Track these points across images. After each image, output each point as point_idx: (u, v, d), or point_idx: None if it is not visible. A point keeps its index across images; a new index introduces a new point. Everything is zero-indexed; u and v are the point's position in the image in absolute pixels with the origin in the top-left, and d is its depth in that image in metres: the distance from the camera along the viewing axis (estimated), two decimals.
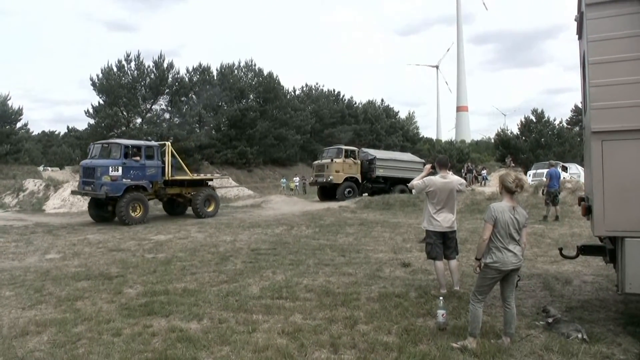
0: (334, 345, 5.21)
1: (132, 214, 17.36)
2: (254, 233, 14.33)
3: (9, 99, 37.65)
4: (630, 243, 4.77)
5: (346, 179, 27.31)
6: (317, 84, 67.75)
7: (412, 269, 8.95)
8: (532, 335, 5.29)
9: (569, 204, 18.47)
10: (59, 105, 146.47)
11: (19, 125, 39.55)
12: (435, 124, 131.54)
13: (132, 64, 45.01)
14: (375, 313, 6.20)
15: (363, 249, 11.19)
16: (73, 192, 20.23)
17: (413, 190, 7.43)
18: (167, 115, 47.09)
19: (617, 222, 4.82)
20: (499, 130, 59.37)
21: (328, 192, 27.89)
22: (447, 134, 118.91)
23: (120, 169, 17.41)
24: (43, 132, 45.29)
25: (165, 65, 46.05)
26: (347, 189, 27.01)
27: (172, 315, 6.24)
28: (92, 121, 43.51)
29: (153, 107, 46.25)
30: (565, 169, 30.86)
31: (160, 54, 48.33)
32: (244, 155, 48.25)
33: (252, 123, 49.49)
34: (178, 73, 47.48)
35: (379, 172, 28.43)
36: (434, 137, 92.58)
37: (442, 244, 7.06)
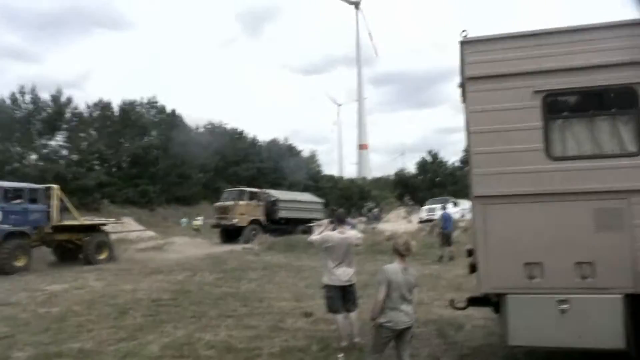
0: None
1: (15, 263, 16.10)
2: (156, 280, 13.97)
3: None
4: (511, 299, 5.18)
5: (251, 222, 27.22)
6: (220, 121, 67.53)
7: (314, 318, 9.08)
8: None
9: (463, 242, 19.42)
10: None
11: None
12: (338, 161, 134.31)
13: (27, 97, 42.94)
14: None
15: (266, 297, 11.22)
16: None
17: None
18: (64, 152, 45.04)
19: (499, 280, 5.24)
20: (398, 170, 61.91)
21: (231, 234, 27.55)
22: (350, 170, 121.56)
23: None
24: None
25: (63, 99, 44.27)
26: (252, 231, 26.83)
27: None
28: None
29: (49, 143, 44.14)
30: (456, 204, 32.59)
31: (58, 88, 46.43)
32: (146, 193, 46.92)
33: (155, 161, 48.42)
34: (77, 108, 45.84)
35: (282, 214, 28.78)
36: (337, 174, 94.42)
37: (342, 298, 7.27)
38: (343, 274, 7.13)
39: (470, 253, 7.08)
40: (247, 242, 25.40)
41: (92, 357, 6.96)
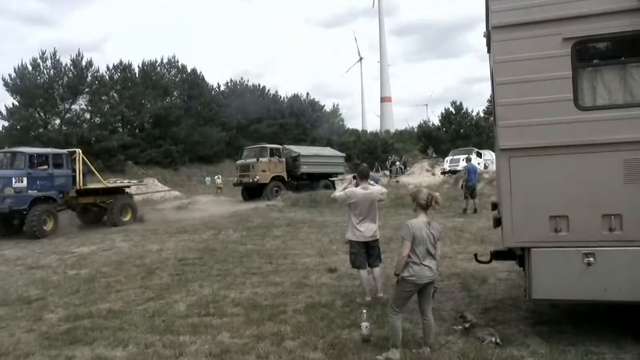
0: None
1: (44, 228, 16.38)
2: (181, 240, 14.16)
3: None
4: (535, 253, 5.10)
5: (272, 178, 27.01)
6: (241, 79, 67.02)
7: (338, 274, 9.13)
8: (451, 342, 5.55)
9: (487, 194, 19.29)
10: None
11: None
12: (361, 115, 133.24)
13: (48, 62, 43.07)
14: (302, 327, 6.30)
15: (290, 254, 11.30)
16: None
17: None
18: (87, 116, 45.39)
19: (524, 233, 5.13)
20: (421, 122, 61.21)
21: (253, 191, 27.46)
22: (373, 124, 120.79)
23: (25, 179, 16.49)
24: None
25: (84, 63, 44.34)
26: (275, 189, 26.70)
27: (96, 343, 6.09)
28: (6, 123, 41.34)
29: (72, 107, 44.47)
30: (479, 155, 32.15)
31: (79, 52, 46.46)
32: (169, 154, 47.27)
33: (177, 121, 48.55)
34: (98, 71, 45.93)
35: (304, 169, 28.47)
36: (360, 128, 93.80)
37: (365, 253, 7.27)
38: (367, 229, 7.10)
39: (494, 206, 6.97)
40: (269, 199, 25.43)
41: (121, 317, 7.09)
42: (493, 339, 5.44)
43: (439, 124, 55.68)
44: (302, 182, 28.57)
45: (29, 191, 16.51)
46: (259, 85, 68.08)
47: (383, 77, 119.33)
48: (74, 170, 18.17)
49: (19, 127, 40.40)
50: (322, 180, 29.14)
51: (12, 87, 41.39)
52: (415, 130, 79.26)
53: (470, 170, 17.52)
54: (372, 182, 7.51)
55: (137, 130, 49.11)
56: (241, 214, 20.42)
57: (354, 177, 7.59)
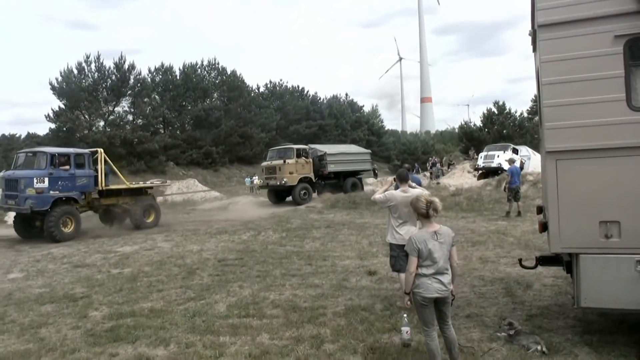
0: None
1: (63, 230, 16.11)
2: (221, 240, 14.27)
3: None
4: (584, 259, 4.92)
5: (300, 180, 26.24)
6: (280, 80, 67.46)
7: (378, 277, 9.04)
8: (494, 349, 5.42)
9: (531, 197, 18.89)
10: (18, 106, 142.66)
11: None
12: (400, 116, 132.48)
13: (92, 66, 44.17)
14: (341, 330, 6.25)
15: (330, 256, 11.25)
16: None
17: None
18: (130, 117, 46.38)
19: (572, 239, 4.96)
20: (463, 122, 60.29)
21: (281, 193, 26.93)
22: (413, 126, 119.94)
23: (46, 180, 16.16)
24: (3, 135, 43.82)
25: (126, 66, 45.33)
26: (303, 191, 26.01)
27: (138, 341, 6.18)
28: (53, 125, 42.58)
29: (115, 109, 45.52)
30: (516, 151, 31.25)
31: (121, 55, 47.47)
32: (209, 155, 47.87)
33: (217, 122, 49.12)
34: (140, 74, 46.86)
35: (331, 168, 27.75)
36: (399, 129, 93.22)
37: (406, 257, 7.15)
38: (407, 233, 6.97)
39: (540, 210, 6.78)
40: (297, 202, 25.01)
41: (163, 316, 7.18)
42: (539, 348, 5.28)
43: (481, 125, 54.62)
44: (330, 181, 28.12)
45: (51, 192, 16.27)
46: (298, 86, 68.32)
47: (423, 77, 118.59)
48: (96, 171, 17.88)
49: (65, 129, 41.53)
50: (349, 178, 28.53)
51: (59, 91, 42.59)
52: (456, 131, 78.21)
53: (514, 172, 17.12)
54: (413, 184, 7.40)
55: (178, 132, 49.89)
56: (280, 215, 20.48)
57: (394, 179, 7.50)
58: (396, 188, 7.27)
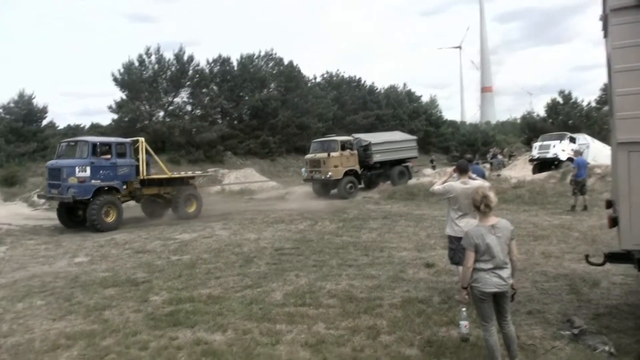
0: (356, 359, 5.22)
1: (105, 219, 16.05)
2: (278, 230, 14.38)
3: (34, 97, 38.10)
4: None
5: (346, 173, 25.07)
6: (337, 70, 67.31)
7: (435, 269, 8.89)
8: (557, 348, 5.23)
9: (598, 191, 18.15)
10: (85, 98, 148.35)
11: (44, 122, 40.06)
12: (460, 106, 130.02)
13: (153, 58, 45.23)
14: (398, 322, 6.19)
15: (387, 247, 11.14)
16: (39, 196, 18.24)
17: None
18: (188, 108, 47.33)
19: None
20: (525, 112, 58.51)
21: (326, 186, 25.80)
22: (472, 116, 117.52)
23: (88, 169, 16.04)
24: (69, 125, 45.36)
25: (185, 57, 46.18)
26: (349, 184, 24.86)
27: (197, 326, 6.31)
28: (115, 116, 43.95)
29: (175, 100, 46.48)
30: (573, 140, 29.69)
31: (181, 47, 48.42)
32: (266, 144, 48.30)
33: (274, 112, 49.44)
34: (198, 65, 47.61)
35: (377, 158, 26.72)
36: (459, 119, 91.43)
37: (464, 249, 6.99)
38: (466, 225, 6.78)
39: (609, 204, 6.47)
40: (343, 196, 24.09)
41: (220, 302, 7.30)
42: (606, 348, 5.06)
43: (545, 115, 52.71)
44: (376, 171, 27.11)
45: (92, 181, 16.15)
46: (355, 76, 67.92)
47: (484, 66, 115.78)
48: (138, 160, 17.68)
49: (126, 119, 42.76)
50: (396, 166, 27.50)
51: (121, 82, 43.82)
52: (518, 121, 76.00)
53: (581, 165, 16.44)
54: (473, 175, 7.21)
55: (235, 122, 50.49)
56: (337, 204, 20.48)
57: (455, 171, 7.32)
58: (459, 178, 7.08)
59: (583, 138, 30.71)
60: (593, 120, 49.23)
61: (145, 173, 17.83)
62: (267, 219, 16.82)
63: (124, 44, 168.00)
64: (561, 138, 30.01)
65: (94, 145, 16.54)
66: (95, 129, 43.56)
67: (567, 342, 5.35)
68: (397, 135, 30.76)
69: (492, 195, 4.73)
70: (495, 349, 4.66)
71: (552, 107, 51.82)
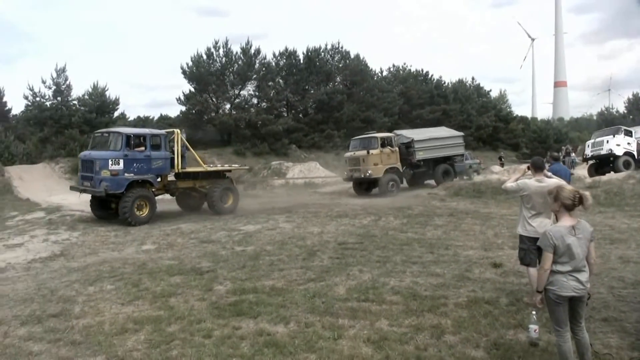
0: (419, 358, 5.13)
1: (138, 213, 15.64)
2: (341, 224, 14.35)
3: (107, 89, 39.55)
4: None
5: (386, 171, 24.14)
6: (404, 64, 66.20)
7: (503, 270, 8.60)
8: (635, 358, 4.93)
9: None
10: (154, 90, 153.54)
11: (116, 114, 41.54)
12: (530, 101, 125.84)
13: (221, 51, 46.11)
14: (463, 322, 6.03)
15: (452, 245, 10.90)
16: (71, 188, 17.74)
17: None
18: (254, 101, 48.01)
19: None
20: (603, 108, 55.95)
21: (367, 185, 24.98)
22: (543, 112, 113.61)
23: (121, 162, 15.58)
24: (138, 117, 46.98)
25: (252, 51, 46.83)
26: (390, 183, 24.04)
27: (260, 317, 6.37)
28: (183, 108, 45.15)
29: (241, 92, 47.25)
30: (629, 133, 27.72)
31: (248, 40, 49.27)
32: (331, 138, 48.36)
33: (339, 106, 49.40)
34: (265, 58, 48.17)
35: (419, 155, 25.62)
36: (529, 115, 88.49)
37: (537, 250, 6.71)
38: (540, 225, 6.52)
39: None
40: (384, 194, 23.29)
41: (284, 295, 7.34)
42: None
43: (625, 111, 50.15)
44: (419, 170, 26.17)
45: (126, 174, 15.67)
46: (422, 70, 66.87)
47: (558, 60, 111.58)
48: (173, 153, 17.09)
49: (194, 111, 43.86)
50: (440, 164, 26.43)
51: (189, 75, 44.95)
52: (595, 117, 72.83)
53: None
54: (549, 173, 6.91)
55: (300, 115, 50.78)
56: (401, 201, 20.25)
57: (528, 168, 7.04)
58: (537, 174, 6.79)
59: None
60: None
61: (180, 166, 17.25)
62: (330, 212, 16.83)
63: (194, 37, 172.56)
64: (615, 132, 28.11)
65: (128, 137, 16.00)
66: (164, 120, 44.93)
67: None
68: (442, 132, 29.46)
69: (588, 194, 4.53)
70: (568, 356, 4.46)
71: (634, 103, 49.36)
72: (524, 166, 7.24)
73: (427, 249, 10.49)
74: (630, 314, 6.27)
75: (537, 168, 6.75)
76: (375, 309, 6.63)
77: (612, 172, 24.43)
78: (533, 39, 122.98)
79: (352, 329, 5.93)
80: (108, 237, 13.02)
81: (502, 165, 40.36)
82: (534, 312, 5.46)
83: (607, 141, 27.02)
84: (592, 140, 28.50)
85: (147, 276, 8.68)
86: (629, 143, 26.67)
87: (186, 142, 17.70)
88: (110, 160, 15.46)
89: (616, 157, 26.30)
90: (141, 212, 15.78)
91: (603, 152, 26.90)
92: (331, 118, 48.98)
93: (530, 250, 6.64)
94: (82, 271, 9.27)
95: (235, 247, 11.27)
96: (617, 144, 26.65)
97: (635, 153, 26.65)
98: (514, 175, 7.08)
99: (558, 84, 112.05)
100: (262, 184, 31.00)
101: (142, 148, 16.16)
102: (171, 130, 17.92)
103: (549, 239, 4.43)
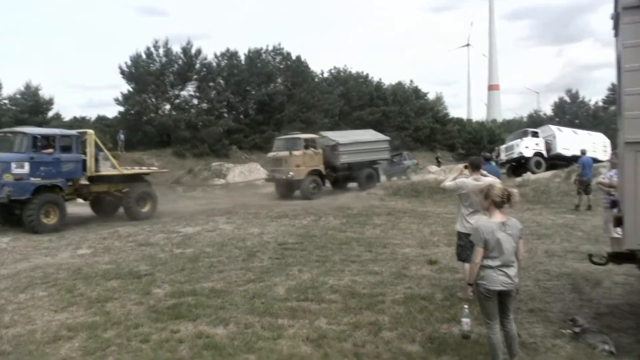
0: (357, 354, 5.24)
1: (45, 221, 14.29)
2: (282, 224, 14.39)
3: (40, 89, 38.26)
4: None
5: (309, 173, 23.54)
6: (345, 66, 66.83)
7: (438, 266, 8.88)
8: (558, 346, 5.22)
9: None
10: (90, 90, 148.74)
11: (50, 114, 40.17)
12: (466, 104, 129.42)
13: (161, 51, 45.33)
14: (400, 318, 6.20)
15: (390, 243, 11.14)
16: None
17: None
18: (195, 101, 47.42)
19: None
20: (532, 111, 58.33)
21: (289, 187, 24.30)
22: (478, 113, 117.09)
23: (26, 165, 14.17)
24: (74, 117, 45.52)
25: (193, 51, 46.26)
26: (312, 185, 23.52)
27: (199, 320, 6.33)
28: (122, 109, 44.11)
29: (181, 93, 46.60)
30: (536, 134, 28.53)
31: (188, 40, 48.41)
32: (272, 139, 48.27)
33: (280, 107, 49.44)
34: (206, 59, 47.68)
35: (344, 159, 25.28)
36: (465, 117, 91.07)
37: (473, 246, 6.97)
38: (477, 222, 6.77)
39: (614, 204, 6.45)
40: (307, 197, 22.89)
41: (223, 296, 7.32)
42: (606, 347, 5.06)
43: (552, 114, 52.71)
44: (343, 173, 25.91)
45: (31, 178, 14.27)
46: (362, 72, 67.73)
47: (492, 64, 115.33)
48: (86, 155, 15.84)
49: (132, 112, 42.97)
50: (365, 169, 26.20)
51: (128, 75, 44.02)
52: (525, 120, 75.75)
53: (586, 164, 16.39)
54: (484, 172, 7.19)
55: (241, 116, 50.52)
56: (341, 200, 20.48)
57: (465, 167, 7.30)
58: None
59: (548, 129, 29.96)
60: (600, 120, 49.10)
61: (93, 169, 16.08)
62: (270, 213, 16.83)
63: (133, 36, 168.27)
64: (523, 135, 29.52)
65: (34, 138, 14.59)
66: (101, 121, 43.72)
67: (567, 341, 5.35)
68: (368, 135, 28.97)
69: (516, 192, 4.76)
70: (497, 347, 4.66)
71: (560, 106, 51.76)
72: (461, 165, 7.51)
73: (365, 248, 10.68)
74: (554, 304, 6.64)
75: (474, 167, 7.01)
76: (315, 308, 6.72)
77: (528, 173, 25.72)
78: (468, 44, 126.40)
79: (292, 328, 5.99)
80: (41, 242, 12.54)
81: (439, 165, 41.42)
82: (466, 306, 5.67)
83: (517, 145, 28.40)
84: (504, 145, 29.85)
85: (82, 281, 8.43)
86: (537, 144, 28.12)
87: (100, 144, 16.74)
88: (13, 163, 14.05)
89: (527, 159, 27.64)
90: (49, 219, 14.50)
91: (515, 155, 28.31)
92: (272, 119, 48.93)
93: (467, 246, 6.84)
94: (12, 278, 8.90)
95: (174, 250, 11.11)
96: (526, 146, 28.10)
97: (544, 152, 28.11)
98: (452, 175, 7.32)
99: (492, 87, 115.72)
100: (202, 186, 30.66)
101: (51, 150, 14.88)
102: (84, 130, 16.89)
103: (480, 234, 4.64)
